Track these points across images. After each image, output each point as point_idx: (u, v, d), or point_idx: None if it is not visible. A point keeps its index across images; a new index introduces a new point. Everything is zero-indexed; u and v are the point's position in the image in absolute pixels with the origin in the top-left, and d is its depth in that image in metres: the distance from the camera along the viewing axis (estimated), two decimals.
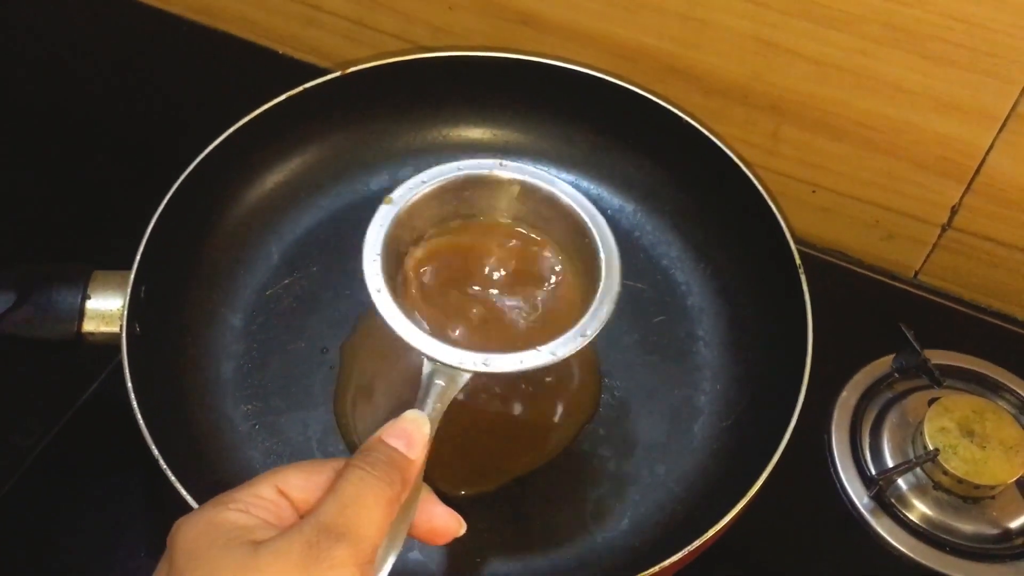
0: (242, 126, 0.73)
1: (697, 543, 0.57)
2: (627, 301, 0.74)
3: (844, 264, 0.89)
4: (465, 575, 0.64)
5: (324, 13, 0.97)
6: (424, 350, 0.51)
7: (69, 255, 0.82)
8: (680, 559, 0.56)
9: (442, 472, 0.66)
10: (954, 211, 0.83)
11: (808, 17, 0.75)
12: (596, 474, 0.67)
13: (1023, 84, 0.72)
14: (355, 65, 0.76)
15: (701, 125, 0.74)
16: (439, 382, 0.51)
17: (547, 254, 0.60)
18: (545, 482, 0.67)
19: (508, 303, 0.59)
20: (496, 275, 0.60)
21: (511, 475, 0.68)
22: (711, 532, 0.57)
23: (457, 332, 0.57)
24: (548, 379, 0.70)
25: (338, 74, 0.76)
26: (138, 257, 0.66)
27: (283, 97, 0.74)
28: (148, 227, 0.67)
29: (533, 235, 0.60)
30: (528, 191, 0.59)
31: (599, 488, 0.67)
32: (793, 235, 0.88)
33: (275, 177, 0.78)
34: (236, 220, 0.76)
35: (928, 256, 0.87)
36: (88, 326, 0.65)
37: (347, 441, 0.68)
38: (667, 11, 0.80)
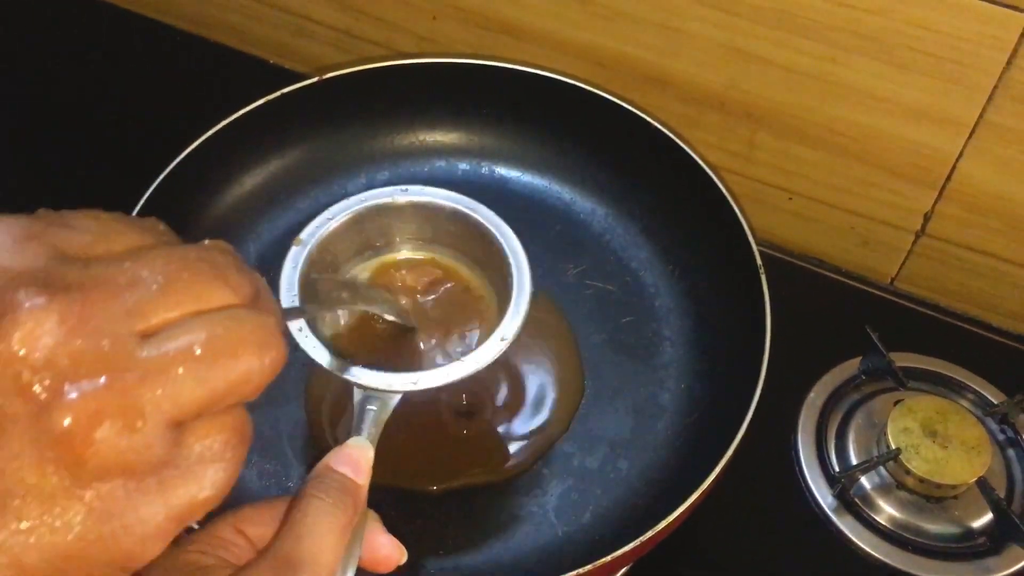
0: (221, 129, 0.74)
1: (650, 533, 0.57)
2: (597, 302, 0.76)
3: (820, 270, 0.90)
4: (429, 568, 0.65)
5: (313, 23, 0.99)
6: (354, 379, 0.52)
7: None
8: (634, 548, 0.57)
9: (415, 469, 0.67)
10: (927, 218, 0.84)
11: (779, 26, 0.77)
12: (560, 469, 0.68)
13: (990, 92, 0.73)
14: (333, 71, 0.78)
15: (670, 131, 0.75)
16: (372, 407, 0.52)
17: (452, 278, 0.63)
18: (509, 477, 0.68)
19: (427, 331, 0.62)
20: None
21: (486, 478, 0.68)
22: (663, 523, 0.57)
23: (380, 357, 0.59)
24: (526, 387, 0.72)
25: (315, 80, 0.77)
26: None
27: (261, 101, 0.75)
28: None
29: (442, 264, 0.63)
30: (432, 212, 0.61)
31: (562, 483, 0.68)
32: (771, 241, 0.90)
33: (253, 179, 0.79)
34: (214, 220, 0.77)
35: (903, 263, 0.88)
36: None
37: (316, 438, 0.69)
38: (644, 21, 0.82)
